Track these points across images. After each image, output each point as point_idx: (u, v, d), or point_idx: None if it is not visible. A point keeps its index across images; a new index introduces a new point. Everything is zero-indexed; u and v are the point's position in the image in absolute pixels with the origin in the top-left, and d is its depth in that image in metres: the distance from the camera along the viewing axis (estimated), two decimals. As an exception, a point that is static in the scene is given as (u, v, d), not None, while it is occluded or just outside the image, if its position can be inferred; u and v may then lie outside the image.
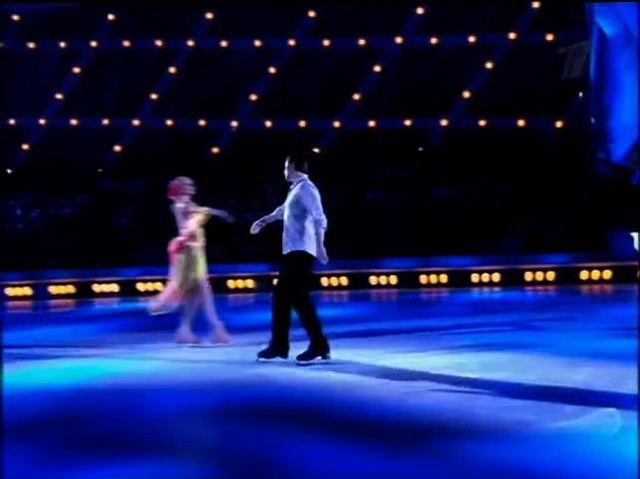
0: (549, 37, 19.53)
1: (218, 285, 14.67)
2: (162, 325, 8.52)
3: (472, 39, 20.21)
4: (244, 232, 17.38)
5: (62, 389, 5.50)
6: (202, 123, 21.79)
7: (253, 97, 21.69)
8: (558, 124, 19.62)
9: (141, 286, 15.45)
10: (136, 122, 22.18)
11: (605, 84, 15.32)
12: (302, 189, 6.37)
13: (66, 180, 20.48)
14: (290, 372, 5.72)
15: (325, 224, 6.30)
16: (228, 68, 21.65)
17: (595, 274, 13.74)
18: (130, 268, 16.38)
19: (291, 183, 6.54)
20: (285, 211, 6.55)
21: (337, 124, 21.01)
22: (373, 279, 14.65)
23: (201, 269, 7.29)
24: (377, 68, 20.84)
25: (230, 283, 15.13)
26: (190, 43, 22.09)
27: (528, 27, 19.79)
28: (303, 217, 6.33)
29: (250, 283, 15.03)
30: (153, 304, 7.27)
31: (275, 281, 6.77)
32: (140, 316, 11.15)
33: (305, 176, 6.47)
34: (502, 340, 7.02)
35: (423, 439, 3.67)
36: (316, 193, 6.38)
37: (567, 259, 14.41)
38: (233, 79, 21.57)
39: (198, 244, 7.33)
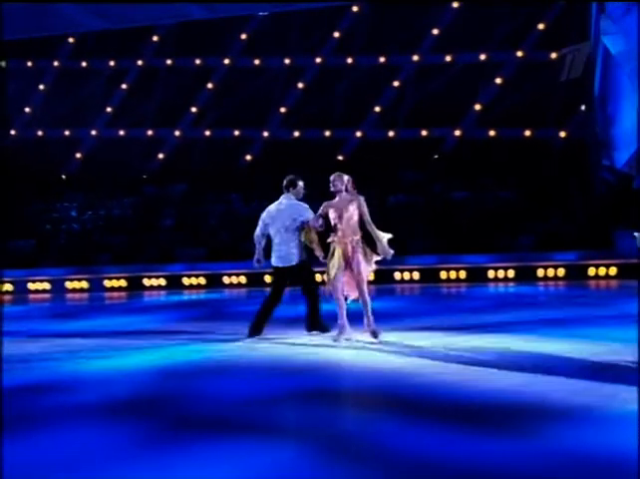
0: (553, 55, 19.40)
1: (214, 281, 14.79)
2: (223, 315, 8.43)
3: (482, 57, 20.10)
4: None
5: (152, 371, 5.37)
6: (237, 133, 21.80)
7: (283, 109, 21.67)
8: (562, 134, 19.49)
9: (185, 281, 15.47)
10: (177, 132, 22.24)
11: (609, 96, 15.19)
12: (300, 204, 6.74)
13: (115, 184, 20.59)
14: (356, 358, 5.61)
15: None
16: (261, 84, 21.68)
17: (602, 271, 13.61)
18: (175, 264, 16.42)
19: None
20: (278, 226, 6.85)
21: (359, 134, 20.96)
22: (397, 275, 14.59)
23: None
24: (396, 83, 20.78)
25: (225, 279, 15.14)
26: (227, 61, 22.12)
27: (534, 46, 19.67)
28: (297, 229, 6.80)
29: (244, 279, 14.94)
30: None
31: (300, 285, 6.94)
32: (197, 307, 11.22)
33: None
34: (542, 331, 6.88)
35: (509, 421, 3.60)
36: None
37: (576, 257, 14.29)
38: (265, 93, 21.59)
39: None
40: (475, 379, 4.55)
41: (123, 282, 15.61)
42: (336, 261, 6.64)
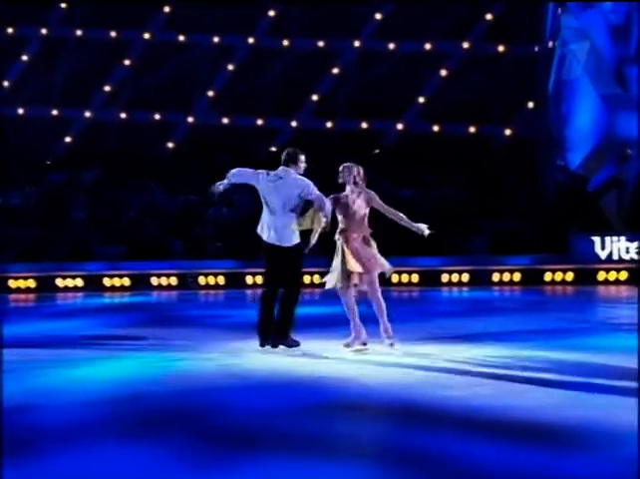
0: (501, 48, 19.96)
1: (140, 282, 14.37)
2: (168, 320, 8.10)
3: (427, 46, 20.42)
4: (209, 227, 17.11)
5: (145, 383, 5.24)
6: (157, 117, 21.09)
7: (210, 93, 21.16)
8: (507, 131, 20.10)
9: (107, 281, 14.76)
10: (87, 113, 21.25)
11: (563, 94, 15.76)
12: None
13: (14, 170, 19.38)
14: (361, 370, 5.61)
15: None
16: (185, 63, 21.06)
17: (558, 276, 14.11)
18: (92, 263, 15.66)
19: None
20: (275, 204, 6.58)
21: (294, 123, 20.79)
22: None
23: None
24: (335, 70, 20.75)
25: (202, 280, 14.67)
26: (146, 35, 21.32)
27: (481, 38, 20.15)
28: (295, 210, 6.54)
29: (221, 280, 14.61)
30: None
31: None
32: (131, 311, 10.78)
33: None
34: (528, 339, 7.05)
35: (578, 437, 3.68)
36: None
37: (531, 261, 14.75)
38: (190, 74, 20.99)
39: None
40: (524, 391, 4.72)
41: (31, 283, 14.71)
42: (339, 261, 6.47)
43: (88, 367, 5.94)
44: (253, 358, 6.20)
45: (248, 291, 14.15)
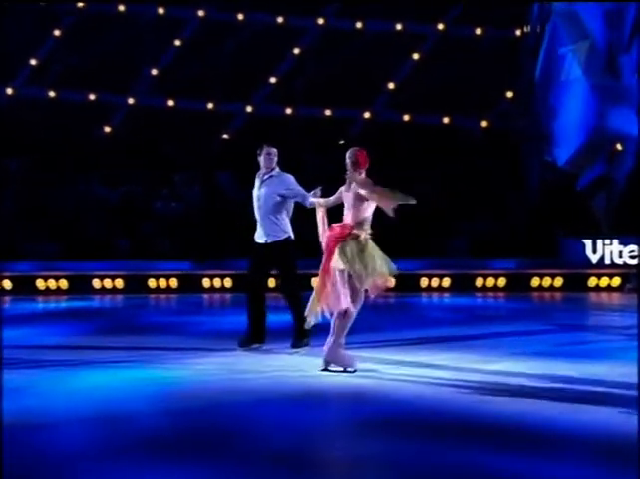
0: (478, 31, 20.02)
1: (138, 285, 13.93)
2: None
3: (398, 26, 20.32)
4: (156, 223, 16.61)
5: (160, 396, 5.23)
6: (92, 97, 20.41)
7: (154, 71, 20.59)
8: (484, 123, 20.19)
9: (40, 284, 14.13)
10: (9, 90, 20.41)
11: (552, 82, 15.85)
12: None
13: None
14: (394, 382, 5.75)
15: None
16: (124, 37, 20.43)
17: (546, 282, 14.20)
18: (21, 263, 14.97)
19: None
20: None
21: (249, 108, 20.41)
22: (315, 283, 14.26)
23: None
24: (296, 50, 20.45)
25: (151, 283, 14.19)
26: (79, 4, 20.61)
27: (458, 19, 20.16)
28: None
29: (174, 283, 14.15)
30: (311, 313, 6.46)
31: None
32: (81, 318, 10.39)
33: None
34: (532, 349, 7.37)
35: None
36: None
37: (517, 266, 14.80)
38: (130, 49, 20.37)
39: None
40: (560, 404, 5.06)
41: (-52, 284, 13.97)
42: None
43: (72, 381, 5.78)
44: (259, 371, 6.30)
45: (205, 296, 13.83)
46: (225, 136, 20.35)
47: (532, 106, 17.01)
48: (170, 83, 20.44)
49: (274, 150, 7.52)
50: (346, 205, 6.47)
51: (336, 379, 6.00)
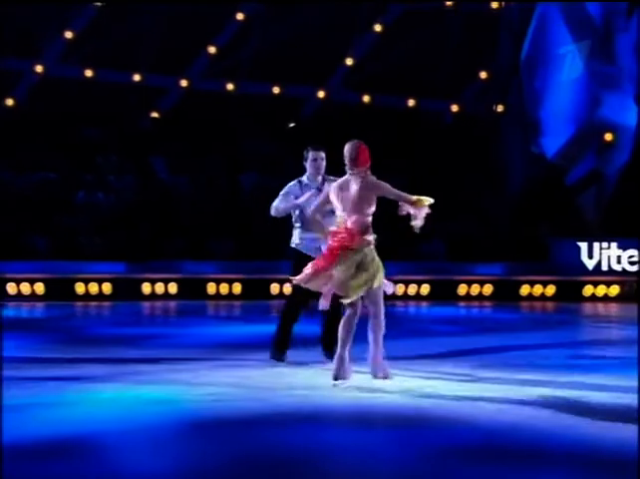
0: (449, 3, 20.10)
1: (63, 290, 13.38)
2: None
3: (358, -6, 20.23)
4: (81, 218, 15.99)
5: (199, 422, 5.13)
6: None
7: (68, 34, 19.77)
8: (454, 107, 20.32)
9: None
10: None
11: (539, 63, 16.02)
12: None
13: None
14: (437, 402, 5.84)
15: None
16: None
17: (537, 289, 14.32)
18: None
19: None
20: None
21: (184, 82, 19.91)
22: (274, 288, 14.06)
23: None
24: (239, 16, 20.06)
25: (79, 287, 13.63)
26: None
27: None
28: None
29: (108, 288, 13.65)
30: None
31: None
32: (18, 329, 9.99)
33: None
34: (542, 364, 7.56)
35: None
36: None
37: (503, 271, 14.89)
38: (37, 14, 19.54)
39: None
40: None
41: None
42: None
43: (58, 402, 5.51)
44: (273, 387, 6.31)
45: (146, 304, 13.41)
46: (155, 114, 19.83)
47: (512, 89, 17.19)
48: (88, 50, 19.74)
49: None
50: (342, 207, 6.27)
51: (348, 395, 6.05)
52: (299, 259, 7.18)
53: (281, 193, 7.52)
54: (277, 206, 7.46)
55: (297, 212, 7.42)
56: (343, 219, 6.26)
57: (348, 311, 6.29)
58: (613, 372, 7.09)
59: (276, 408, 5.61)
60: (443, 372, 6.94)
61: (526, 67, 16.40)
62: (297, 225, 7.43)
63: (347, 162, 6.35)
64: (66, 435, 4.84)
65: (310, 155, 7.43)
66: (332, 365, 6.33)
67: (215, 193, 16.73)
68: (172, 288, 13.82)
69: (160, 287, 13.78)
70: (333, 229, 6.34)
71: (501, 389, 6.19)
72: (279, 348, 7.38)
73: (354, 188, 6.26)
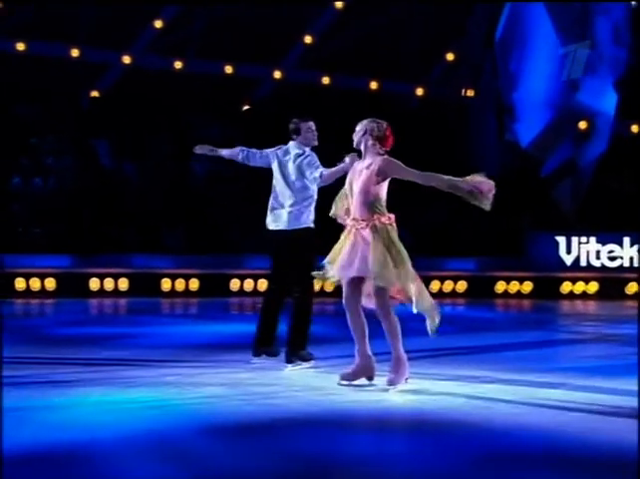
0: (415, -25, 20.12)
1: (2, 286, 13.07)
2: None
3: (318, -34, 20.13)
4: (18, 205, 15.59)
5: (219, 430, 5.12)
6: None
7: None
8: (419, 91, 20.37)
9: None
10: None
11: (514, 45, 16.13)
12: None
13: None
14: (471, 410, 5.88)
15: None
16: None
17: (514, 287, 14.46)
18: None
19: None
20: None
21: (127, 59, 19.56)
22: (234, 284, 13.96)
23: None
24: (188, -12, 19.81)
25: (20, 283, 13.32)
26: None
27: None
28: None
29: (52, 283, 13.37)
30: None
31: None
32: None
33: None
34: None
35: None
36: None
37: (477, 266, 15.00)
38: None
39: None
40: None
41: None
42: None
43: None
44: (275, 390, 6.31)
45: (92, 301, 13.19)
46: (95, 93, 19.46)
47: (485, 72, 17.30)
48: (21, 21, 19.27)
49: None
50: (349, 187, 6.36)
51: (353, 397, 6.09)
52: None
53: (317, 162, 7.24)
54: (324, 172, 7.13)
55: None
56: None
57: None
58: (606, 373, 7.26)
59: (281, 411, 5.63)
60: (431, 374, 6.99)
61: (501, 49, 16.49)
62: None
63: (370, 139, 6.48)
64: (62, 442, 4.76)
65: (311, 125, 7.34)
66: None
67: (164, 180, 16.49)
68: (123, 284, 13.64)
69: (109, 283, 13.59)
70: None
71: (494, 390, 6.35)
72: (261, 344, 7.25)
73: (373, 167, 6.36)
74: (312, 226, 7.17)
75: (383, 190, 6.38)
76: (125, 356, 7.73)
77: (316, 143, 7.34)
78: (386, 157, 6.43)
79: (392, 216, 6.38)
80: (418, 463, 4.60)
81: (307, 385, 6.48)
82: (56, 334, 9.57)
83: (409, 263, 6.26)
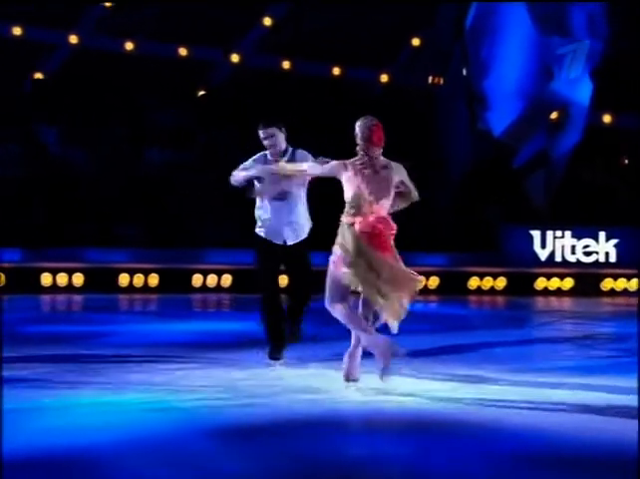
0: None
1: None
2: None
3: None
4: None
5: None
6: None
7: None
8: (384, 77, 20.50)
9: None
10: None
11: (486, 31, 16.29)
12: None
13: None
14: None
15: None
16: None
17: (487, 283, 14.67)
18: None
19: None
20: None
21: (73, 38, 19.37)
22: (197, 279, 13.98)
23: None
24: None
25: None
26: None
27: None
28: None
29: (2, 278, 13.28)
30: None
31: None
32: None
33: None
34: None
35: None
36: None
37: (449, 261, 15.17)
38: None
39: None
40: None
41: None
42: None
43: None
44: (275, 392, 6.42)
45: (45, 297, 13.11)
46: (39, 75, 19.28)
47: (454, 59, 17.45)
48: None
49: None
50: (369, 190, 6.40)
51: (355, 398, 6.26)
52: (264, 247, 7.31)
53: (245, 162, 7.49)
54: (238, 172, 7.40)
55: (258, 186, 7.37)
56: (372, 204, 6.49)
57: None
58: (601, 372, 7.48)
59: (285, 413, 5.73)
60: (426, 374, 7.19)
61: (472, 34, 16.63)
62: (259, 204, 7.41)
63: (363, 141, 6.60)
64: (60, 447, 4.79)
65: (260, 134, 7.42)
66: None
67: (117, 168, 16.41)
68: (78, 280, 13.58)
69: (62, 278, 13.55)
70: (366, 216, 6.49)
71: (493, 390, 6.52)
72: (278, 345, 7.35)
73: (384, 171, 6.54)
74: (256, 231, 7.44)
75: (346, 190, 6.58)
76: (100, 355, 7.79)
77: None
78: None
79: (358, 218, 6.50)
80: (423, 464, 4.69)
81: (307, 386, 6.61)
82: (15, 333, 9.49)
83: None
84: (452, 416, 5.76)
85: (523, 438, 5.24)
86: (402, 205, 6.79)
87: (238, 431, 5.28)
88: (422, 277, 6.60)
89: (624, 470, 4.65)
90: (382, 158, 6.61)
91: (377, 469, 4.59)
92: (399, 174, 6.64)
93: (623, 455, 4.88)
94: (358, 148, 6.57)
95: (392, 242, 6.58)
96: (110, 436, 5.05)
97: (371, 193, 6.44)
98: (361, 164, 6.51)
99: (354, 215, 6.44)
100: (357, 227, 6.40)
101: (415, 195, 6.82)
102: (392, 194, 6.59)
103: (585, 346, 9.50)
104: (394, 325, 6.43)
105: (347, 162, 6.57)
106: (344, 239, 6.42)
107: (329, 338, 8.14)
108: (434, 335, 10.01)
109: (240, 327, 9.70)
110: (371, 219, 6.44)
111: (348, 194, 6.50)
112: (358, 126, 6.61)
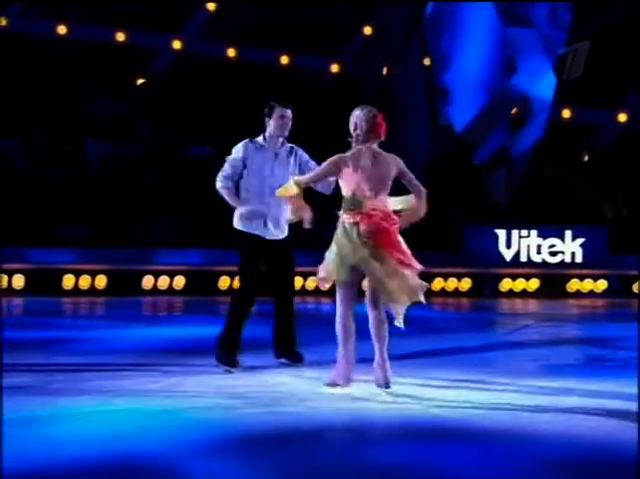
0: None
1: None
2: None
3: None
4: None
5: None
6: None
7: None
8: (334, 67, 20.74)
9: None
10: None
11: (446, 22, 16.65)
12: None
13: None
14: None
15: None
16: None
17: (451, 284, 15.02)
18: None
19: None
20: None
21: (2, 21, 19.20)
22: (148, 281, 14.10)
23: None
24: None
25: None
26: None
27: None
28: None
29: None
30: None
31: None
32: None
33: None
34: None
35: None
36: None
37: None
38: None
39: None
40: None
41: None
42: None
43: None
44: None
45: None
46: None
47: (412, 49, 17.80)
48: None
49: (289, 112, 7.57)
50: (372, 186, 6.60)
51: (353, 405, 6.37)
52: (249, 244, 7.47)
53: (229, 158, 7.53)
54: (224, 176, 7.48)
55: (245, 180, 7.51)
56: (372, 197, 6.62)
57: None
58: (595, 374, 7.78)
59: (290, 420, 5.85)
60: (428, 379, 7.33)
61: (432, 24, 16.96)
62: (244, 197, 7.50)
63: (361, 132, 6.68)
64: (65, 459, 4.81)
65: (278, 110, 7.48)
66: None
67: (58, 160, 16.37)
68: (19, 281, 13.61)
69: (1, 280, 13.45)
70: (370, 209, 6.61)
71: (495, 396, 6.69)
72: (232, 351, 7.48)
73: (384, 162, 6.68)
74: (237, 227, 7.55)
75: (344, 186, 6.72)
76: (95, 362, 7.86)
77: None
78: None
79: (360, 216, 6.64)
80: (444, 472, 4.80)
81: (308, 391, 6.74)
82: (27, 339, 9.49)
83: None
84: (468, 423, 5.90)
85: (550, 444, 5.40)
86: (412, 205, 6.95)
87: (247, 439, 5.39)
88: (426, 284, 6.96)
89: (622, 470, 4.88)
90: (378, 149, 6.73)
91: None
92: (396, 165, 6.74)
93: (621, 456, 5.09)
94: (354, 140, 6.62)
95: (398, 236, 6.77)
96: (112, 446, 5.11)
97: (371, 189, 6.57)
98: (361, 158, 6.60)
99: (355, 212, 6.55)
100: (362, 227, 6.52)
101: (422, 190, 6.96)
102: (389, 187, 6.70)
103: (568, 350, 9.80)
104: (402, 308, 6.70)
105: (346, 157, 6.60)
106: (349, 239, 6.56)
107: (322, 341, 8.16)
108: (400, 339, 10.23)
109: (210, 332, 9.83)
110: (374, 216, 6.55)
111: (347, 190, 6.60)
112: (357, 117, 6.64)
